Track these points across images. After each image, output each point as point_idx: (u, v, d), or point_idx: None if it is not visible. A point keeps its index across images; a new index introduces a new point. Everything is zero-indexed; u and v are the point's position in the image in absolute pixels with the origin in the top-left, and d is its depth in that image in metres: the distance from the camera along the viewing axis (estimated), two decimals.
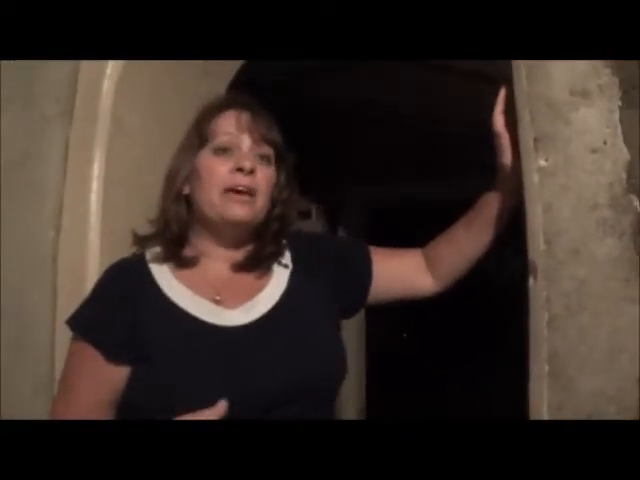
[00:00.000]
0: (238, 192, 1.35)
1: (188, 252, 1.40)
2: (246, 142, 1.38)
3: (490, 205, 1.43)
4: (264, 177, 1.38)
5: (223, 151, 1.37)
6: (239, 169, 1.35)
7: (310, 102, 3.09)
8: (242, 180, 1.35)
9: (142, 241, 1.43)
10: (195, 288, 1.36)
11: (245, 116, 1.39)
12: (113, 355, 1.30)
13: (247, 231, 1.40)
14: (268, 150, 1.40)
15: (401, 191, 3.99)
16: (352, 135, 3.53)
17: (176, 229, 1.39)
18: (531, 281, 1.28)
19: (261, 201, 1.38)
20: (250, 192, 1.36)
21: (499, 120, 1.40)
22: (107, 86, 1.71)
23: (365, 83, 2.88)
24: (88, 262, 1.68)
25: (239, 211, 1.35)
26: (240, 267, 1.40)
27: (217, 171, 1.36)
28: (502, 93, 1.40)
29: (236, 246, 1.41)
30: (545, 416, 1.25)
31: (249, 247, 1.42)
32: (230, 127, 1.38)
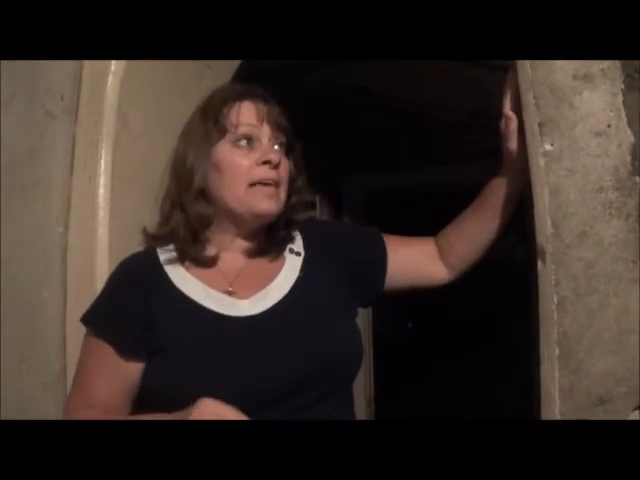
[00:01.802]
0: (265, 185, 1.34)
1: (207, 249, 1.39)
2: (266, 133, 1.37)
3: (497, 191, 1.43)
4: (285, 168, 1.38)
5: (246, 143, 1.36)
6: (266, 162, 1.34)
7: (309, 91, 3.09)
8: (270, 173, 1.34)
9: (153, 240, 1.42)
10: (207, 281, 1.36)
11: (262, 107, 1.38)
12: (128, 351, 1.31)
13: (267, 222, 1.39)
14: (283, 140, 1.39)
15: (405, 179, 3.98)
16: (353, 123, 3.53)
17: (198, 227, 1.38)
18: (540, 265, 1.29)
19: (283, 192, 1.38)
20: (276, 184, 1.35)
21: (509, 104, 1.38)
22: (112, 82, 1.71)
23: (364, 71, 2.88)
24: (97, 258, 1.68)
25: (267, 205, 1.35)
26: (254, 254, 1.40)
27: (241, 165, 1.34)
28: (510, 78, 1.38)
29: (252, 236, 1.40)
30: (556, 399, 1.27)
31: (263, 235, 1.41)
32: (251, 118, 1.36)
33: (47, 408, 1.68)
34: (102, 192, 1.69)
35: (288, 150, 1.42)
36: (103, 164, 1.70)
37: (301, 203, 1.47)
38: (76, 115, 1.73)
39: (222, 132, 1.37)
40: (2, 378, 1.62)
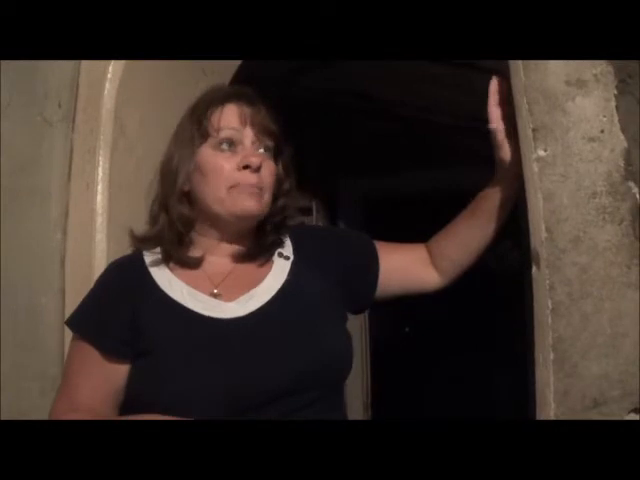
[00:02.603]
0: (245, 187, 1.34)
1: (192, 251, 1.39)
2: (249, 137, 1.36)
3: (491, 197, 1.43)
4: (269, 172, 1.37)
5: (227, 146, 1.35)
6: (246, 166, 1.33)
7: (307, 95, 3.09)
8: (250, 178, 1.34)
9: (141, 242, 1.42)
10: (193, 283, 1.36)
11: (246, 109, 1.37)
12: (113, 353, 1.31)
13: (252, 225, 1.39)
14: (269, 143, 1.38)
15: (403, 183, 3.99)
16: (351, 127, 3.53)
17: (181, 228, 1.37)
18: (534, 270, 1.29)
19: (267, 196, 1.37)
20: (258, 188, 1.35)
21: (494, 112, 1.39)
22: (108, 89, 1.72)
23: (362, 74, 2.88)
24: (95, 264, 1.69)
25: (249, 204, 1.34)
26: (242, 259, 1.40)
27: (222, 168, 1.34)
28: (494, 85, 1.39)
29: (239, 240, 1.40)
30: (551, 402, 1.27)
31: (251, 239, 1.41)
32: (233, 121, 1.36)
33: (45, 413, 1.68)
34: (100, 199, 1.70)
35: (276, 153, 1.41)
36: (100, 171, 1.71)
37: (290, 207, 1.46)
38: (73, 122, 1.74)
39: (205, 135, 1.36)
40: (1, 382, 1.63)
